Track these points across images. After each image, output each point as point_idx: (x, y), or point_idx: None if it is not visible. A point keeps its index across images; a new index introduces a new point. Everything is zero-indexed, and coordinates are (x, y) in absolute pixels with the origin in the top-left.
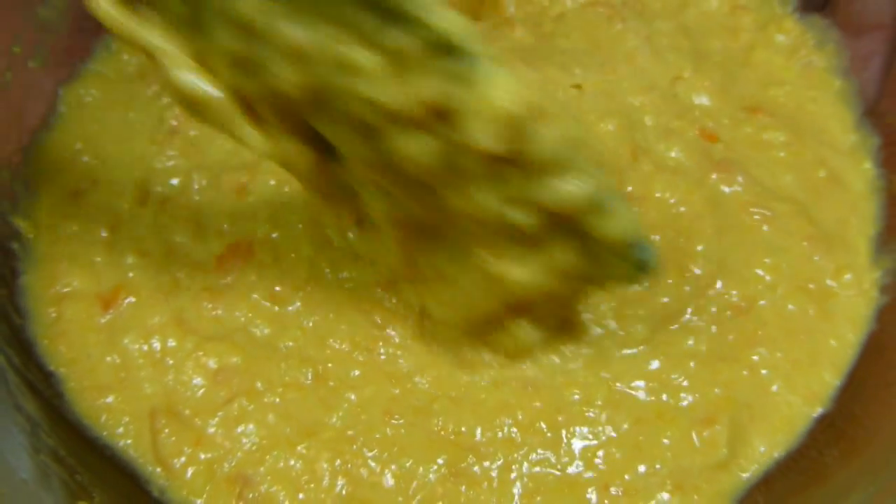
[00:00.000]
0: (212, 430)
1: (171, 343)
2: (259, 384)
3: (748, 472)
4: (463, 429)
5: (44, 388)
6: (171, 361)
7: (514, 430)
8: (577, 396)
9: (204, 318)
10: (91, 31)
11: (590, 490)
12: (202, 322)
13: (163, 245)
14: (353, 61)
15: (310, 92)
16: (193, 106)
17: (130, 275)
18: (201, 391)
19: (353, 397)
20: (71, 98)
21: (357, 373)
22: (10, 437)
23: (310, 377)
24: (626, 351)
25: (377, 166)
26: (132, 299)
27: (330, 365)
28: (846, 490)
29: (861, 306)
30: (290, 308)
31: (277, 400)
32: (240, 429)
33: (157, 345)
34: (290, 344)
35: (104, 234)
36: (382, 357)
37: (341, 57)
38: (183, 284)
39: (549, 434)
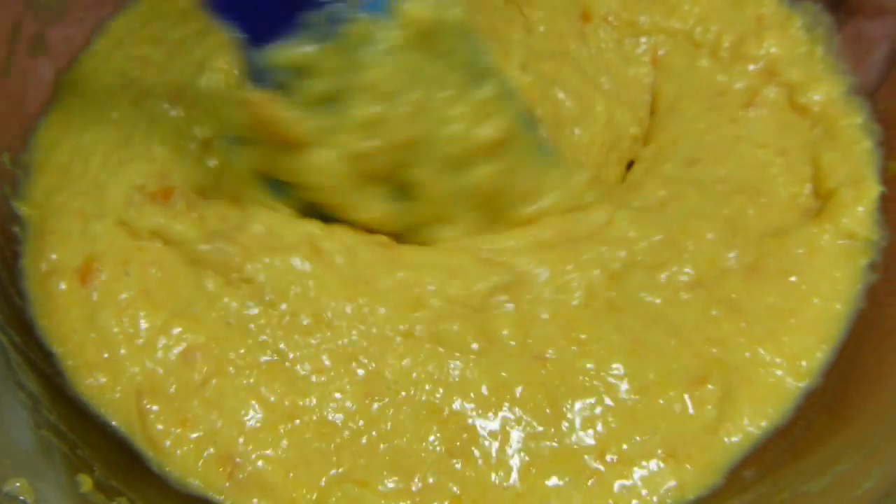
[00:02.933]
0: (197, 409)
1: (143, 322)
2: (231, 369)
3: (735, 437)
4: (455, 405)
5: (44, 367)
6: (141, 341)
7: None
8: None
9: (172, 290)
10: (93, 18)
11: (587, 457)
12: (171, 296)
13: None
14: (453, 113)
15: (415, 143)
16: (320, 185)
17: (99, 244)
18: (178, 370)
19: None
20: (68, 85)
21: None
22: (12, 413)
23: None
24: None
25: (450, 190)
26: (100, 277)
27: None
28: (832, 461)
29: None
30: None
31: (252, 381)
32: (223, 408)
33: (130, 322)
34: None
35: (79, 200)
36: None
37: (445, 110)
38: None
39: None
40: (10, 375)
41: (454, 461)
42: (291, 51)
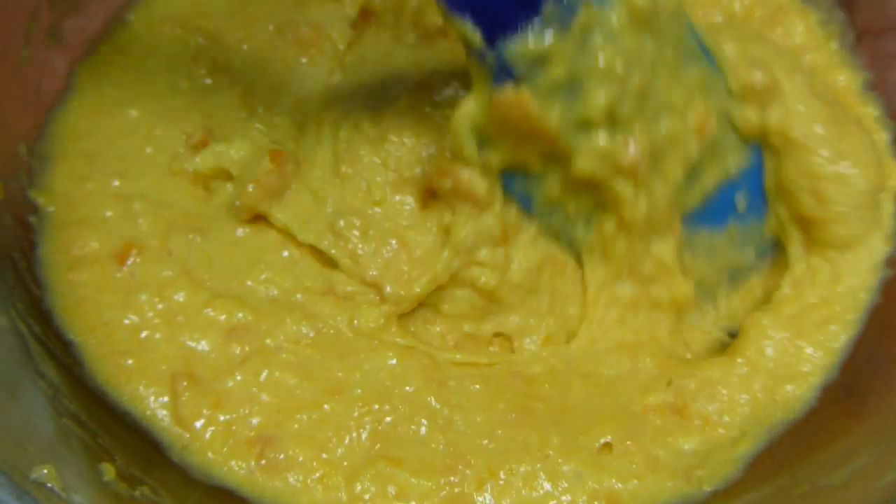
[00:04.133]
0: (232, 390)
1: (183, 301)
2: (269, 341)
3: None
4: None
5: (64, 357)
6: (182, 319)
7: None
8: None
9: (213, 270)
10: (107, 9)
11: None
12: (212, 275)
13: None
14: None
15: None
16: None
17: (141, 222)
18: (219, 349)
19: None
20: (86, 75)
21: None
22: (34, 402)
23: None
24: None
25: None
26: (138, 259)
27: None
28: (851, 453)
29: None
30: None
31: (293, 358)
32: (261, 388)
33: (170, 302)
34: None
35: (116, 183)
36: None
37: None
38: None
39: None
40: (30, 364)
41: (486, 441)
42: (534, 41)
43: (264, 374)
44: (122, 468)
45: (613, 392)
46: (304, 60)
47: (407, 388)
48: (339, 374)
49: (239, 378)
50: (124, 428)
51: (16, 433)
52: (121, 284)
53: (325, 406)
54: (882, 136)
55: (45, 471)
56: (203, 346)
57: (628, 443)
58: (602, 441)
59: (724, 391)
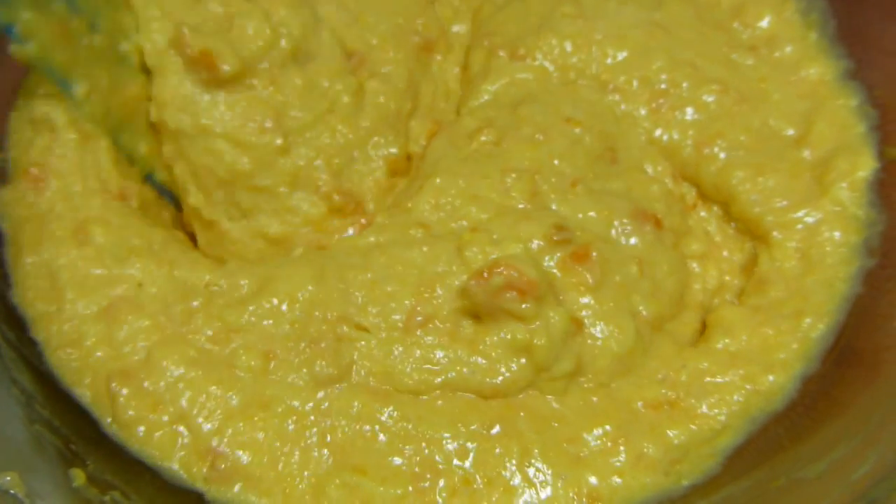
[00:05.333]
0: (166, 394)
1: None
2: (194, 353)
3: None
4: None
5: (37, 363)
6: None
7: None
8: None
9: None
10: None
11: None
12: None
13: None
14: None
15: None
16: None
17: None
18: (141, 355)
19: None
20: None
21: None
22: (6, 409)
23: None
24: None
25: None
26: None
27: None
28: (828, 446)
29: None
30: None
31: (239, 373)
32: (191, 393)
33: (100, 301)
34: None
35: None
36: None
37: None
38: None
39: None
40: (4, 371)
41: (455, 443)
42: None
43: (197, 378)
44: (93, 473)
45: (609, 391)
46: None
47: (353, 407)
48: (268, 391)
49: (171, 379)
50: (96, 432)
51: None
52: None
53: (258, 418)
54: (859, 128)
55: (9, 478)
56: (134, 347)
57: (620, 440)
58: (591, 447)
59: (711, 380)
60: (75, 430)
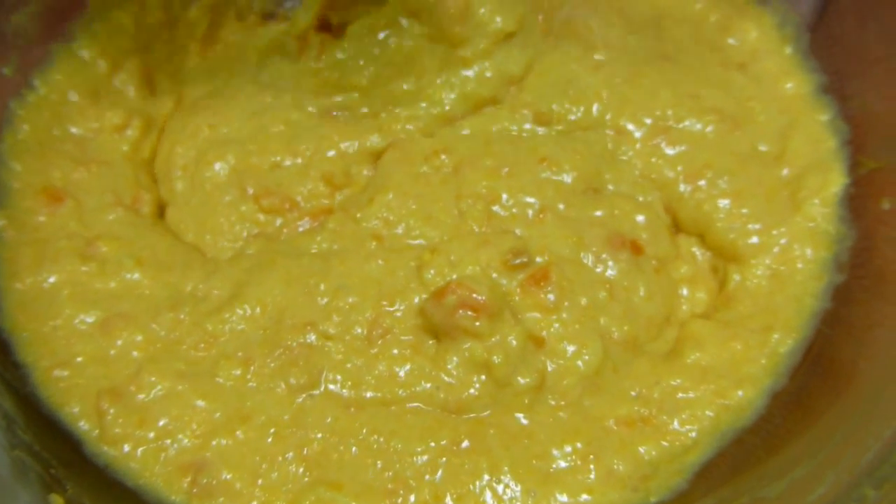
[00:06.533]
0: (150, 412)
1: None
2: (182, 366)
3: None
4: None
5: (20, 386)
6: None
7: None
8: None
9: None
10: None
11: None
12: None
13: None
14: None
15: None
16: None
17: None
18: (132, 370)
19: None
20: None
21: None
22: None
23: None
24: None
25: None
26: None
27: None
28: (791, 465)
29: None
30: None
31: (219, 380)
32: (177, 409)
33: (97, 315)
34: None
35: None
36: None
37: None
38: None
39: None
40: None
41: (424, 457)
42: None
43: (180, 393)
44: (73, 497)
45: (580, 408)
46: None
47: (327, 419)
48: (249, 403)
49: (157, 394)
50: (76, 455)
51: None
52: (50, 293)
53: (240, 432)
54: (830, 143)
55: None
56: (123, 363)
57: (591, 457)
58: (560, 464)
59: (684, 396)
60: (56, 454)
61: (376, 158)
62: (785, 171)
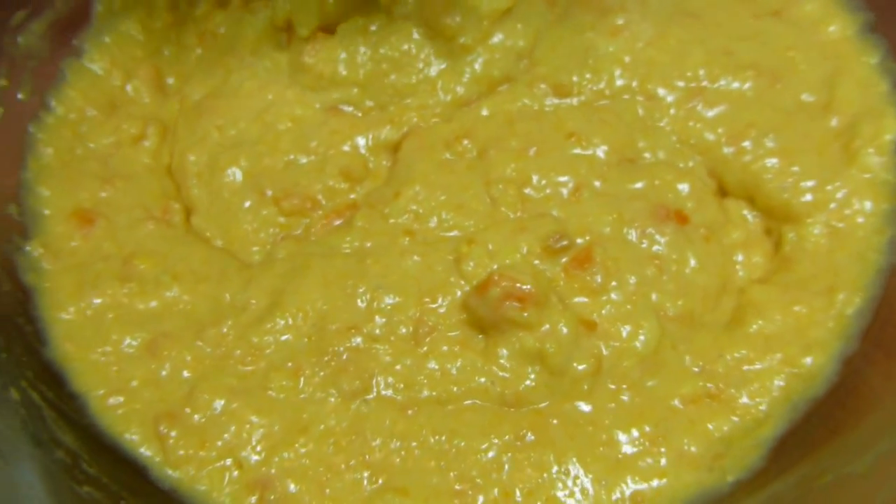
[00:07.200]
0: (212, 432)
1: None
2: (233, 381)
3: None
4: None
5: (78, 418)
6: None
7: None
8: None
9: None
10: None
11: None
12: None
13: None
14: None
15: None
16: None
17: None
18: (185, 390)
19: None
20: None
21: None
22: (52, 477)
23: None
24: None
25: None
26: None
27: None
28: (878, 433)
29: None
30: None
31: (271, 393)
32: (235, 426)
33: (143, 336)
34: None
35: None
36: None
37: None
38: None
39: None
40: (47, 433)
41: (489, 454)
42: None
43: (238, 410)
44: None
45: (643, 389)
46: None
47: (385, 423)
48: (304, 414)
49: (216, 413)
50: (144, 482)
51: None
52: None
53: (300, 444)
54: (882, 86)
55: None
56: (178, 384)
57: (660, 439)
58: (628, 450)
59: (750, 368)
60: (123, 483)
61: (393, 149)
62: (834, 122)
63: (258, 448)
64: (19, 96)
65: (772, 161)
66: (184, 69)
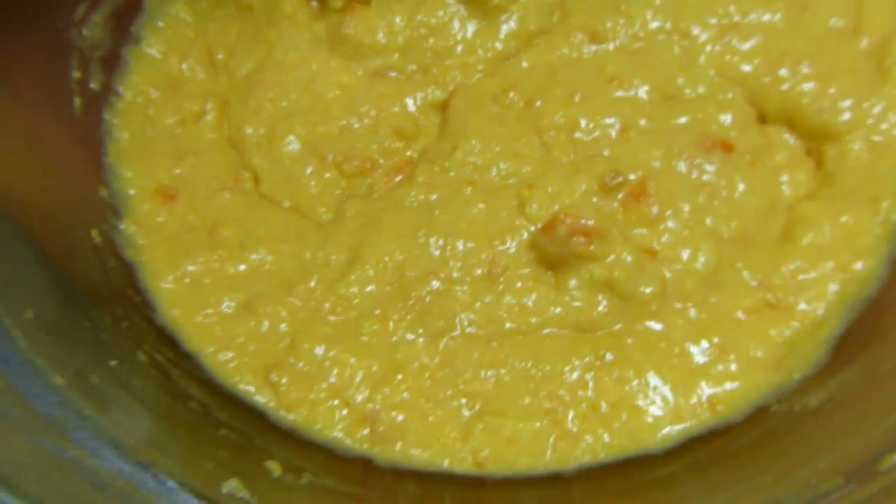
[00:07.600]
0: (318, 375)
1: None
2: (328, 330)
3: None
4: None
5: (198, 373)
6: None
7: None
8: None
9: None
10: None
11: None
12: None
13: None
14: None
15: None
16: None
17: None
18: (286, 342)
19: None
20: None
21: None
22: (193, 422)
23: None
24: None
25: None
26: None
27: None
28: None
29: None
30: None
31: (364, 338)
32: (337, 369)
33: (239, 297)
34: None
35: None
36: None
37: None
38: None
39: None
40: (176, 387)
41: (573, 375)
42: None
43: (339, 355)
44: (284, 461)
45: (707, 305)
46: None
47: (474, 355)
48: (398, 355)
49: (319, 362)
50: (267, 423)
51: (191, 453)
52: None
53: (399, 381)
54: None
55: (234, 483)
56: (278, 334)
57: (728, 348)
58: (700, 360)
59: (805, 277)
60: (253, 426)
61: (441, 108)
62: (864, 43)
63: (361, 387)
64: (92, 86)
65: (808, 85)
66: (228, 44)
